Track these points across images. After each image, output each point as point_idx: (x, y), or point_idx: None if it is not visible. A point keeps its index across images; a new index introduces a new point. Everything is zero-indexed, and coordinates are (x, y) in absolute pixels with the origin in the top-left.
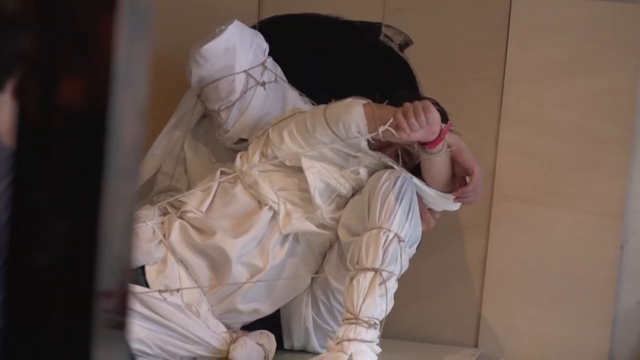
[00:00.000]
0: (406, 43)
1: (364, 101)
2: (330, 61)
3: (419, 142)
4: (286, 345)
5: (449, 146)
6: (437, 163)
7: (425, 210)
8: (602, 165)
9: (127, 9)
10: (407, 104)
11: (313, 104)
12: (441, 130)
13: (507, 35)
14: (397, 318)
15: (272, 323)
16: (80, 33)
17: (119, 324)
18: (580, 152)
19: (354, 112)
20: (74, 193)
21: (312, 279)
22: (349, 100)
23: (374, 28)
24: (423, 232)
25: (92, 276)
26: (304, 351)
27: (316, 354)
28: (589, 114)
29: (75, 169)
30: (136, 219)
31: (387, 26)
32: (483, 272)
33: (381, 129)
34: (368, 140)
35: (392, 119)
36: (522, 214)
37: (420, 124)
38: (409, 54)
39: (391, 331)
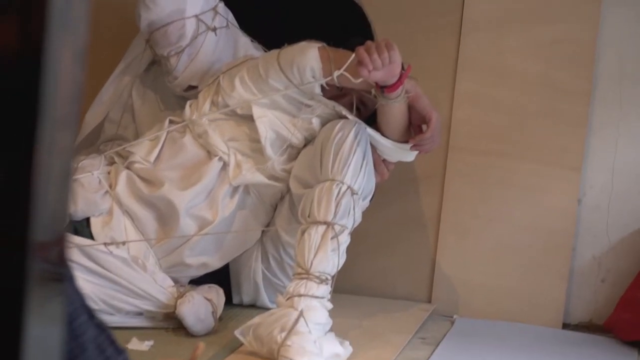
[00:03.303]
0: None
1: (319, 44)
2: (283, 8)
3: (377, 86)
4: (235, 300)
5: (406, 92)
6: (394, 110)
7: (380, 161)
8: (561, 116)
9: None
10: (369, 41)
11: (265, 51)
12: (401, 73)
13: None
14: (348, 272)
15: (221, 277)
16: None
17: (57, 277)
18: (539, 103)
19: (308, 55)
20: (5, 140)
21: (263, 232)
22: (303, 43)
23: None
24: (376, 184)
25: (25, 226)
26: (253, 306)
27: (266, 309)
28: (548, 63)
29: (7, 115)
30: (73, 169)
31: None
32: (438, 225)
33: (337, 72)
34: (322, 88)
35: (350, 60)
36: (478, 165)
37: (383, 61)
38: (365, 1)
39: (342, 285)
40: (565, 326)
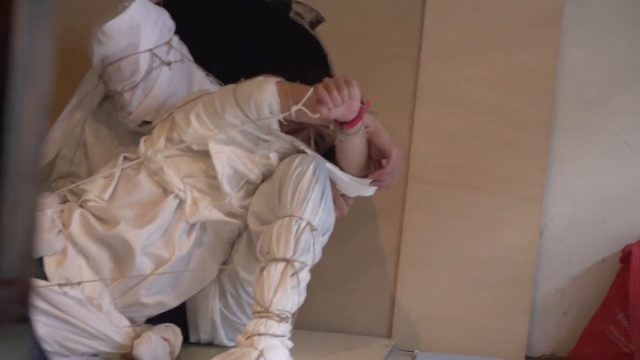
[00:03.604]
0: (317, 20)
1: (277, 79)
2: (238, 40)
3: (336, 122)
4: (192, 339)
5: (366, 127)
6: (354, 145)
7: (338, 196)
8: (521, 147)
9: None
10: (327, 78)
11: (221, 85)
12: (360, 109)
13: (423, 11)
14: (306, 308)
15: (177, 316)
16: None
17: (20, 318)
18: (498, 133)
19: (266, 90)
20: None
21: (220, 269)
22: (260, 78)
23: (283, 5)
24: (336, 219)
25: None
26: (211, 344)
27: (224, 347)
28: (507, 93)
29: None
30: (39, 222)
31: (298, 3)
32: (397, 258)
33: (295, 107)
34: (280, 123)
35: (307, 96)
36: (438, 198)
37: (343, 98)
38: (321, 32)
39: (300, 322)
40: (528, 359)
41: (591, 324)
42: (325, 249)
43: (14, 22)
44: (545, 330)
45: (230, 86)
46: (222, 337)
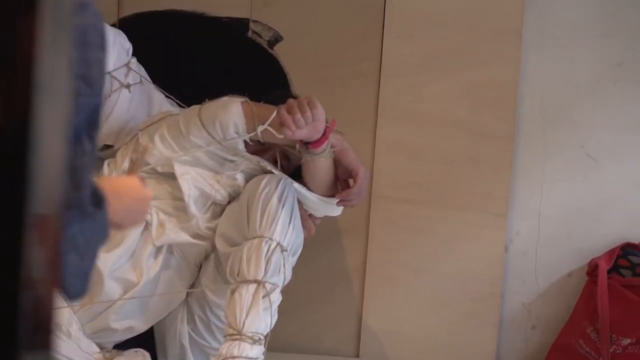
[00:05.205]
0: (276, 39)
1: (242, 99)
2: (196, 60)
3: (302, 142)
4: None
5: (332, 146)
6: (320, 165)
7: (306, 217)
8: (485, 161)
9: (48, 12)
10: (291, 100)
11: (181, 106)
12: (325, 128)
13: (383, 27)
14: (273, 329)
15: (145, 341)
16: None
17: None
18: (461, 148)
19: (231, 111)
20: None
21: (188, 292)
22: (225, 99)
23: (241, 24)
24: (304, 239)
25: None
26: None
27: None
28: (469, 107)
29: None
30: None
31: (255, 22)
32: (363, 276)
33: (260, 128)
34: (245, 143)
35: (273, 117)
36: (402, 214)
37: (306, 120)
38: (279, 51)
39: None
40: None
41: (560, 338)
42: (292, 270)
43: (37, 42)
44: (513, 345)
45: (195, 107)
46: None
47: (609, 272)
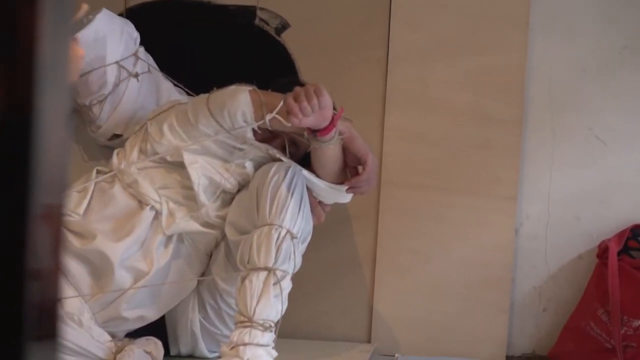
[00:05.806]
0: (283, 26)
1: (249, 88)
2: (204, 48)
3: (309, 129)
4: (172, 352)
5: (340, 133)
6: (329, 152)
7: (316, 204)
8: (493, 146)
9: (49, 1)
10: (297, 88)
11: (189, 94)
12: (333, 116)
13: (390, 13)
14: (284, 315)
15: (157, 329)
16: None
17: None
18: (470, 133)
19: (239, 99)
20: None
21: (199, 280)
22: (233, 87)
23: (248, 12)
24: (313, 227)
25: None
26: (191, 357)
27: (204, 359)
28: (477, 93)
29: None
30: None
31: (262, 9)
32: (373, 263)
33: (268, 116)
34: (254, 131)
35: (280, 105)
36: (412, 200)
37: (313, 108)
38: (287, 38)
39: (279, 329)
40: (509, 359)
41: (571, 321)
42: (302, 257)
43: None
44: (525, 329)
45: (203, 96)
46: (203, 349)
47: (619, 254)
